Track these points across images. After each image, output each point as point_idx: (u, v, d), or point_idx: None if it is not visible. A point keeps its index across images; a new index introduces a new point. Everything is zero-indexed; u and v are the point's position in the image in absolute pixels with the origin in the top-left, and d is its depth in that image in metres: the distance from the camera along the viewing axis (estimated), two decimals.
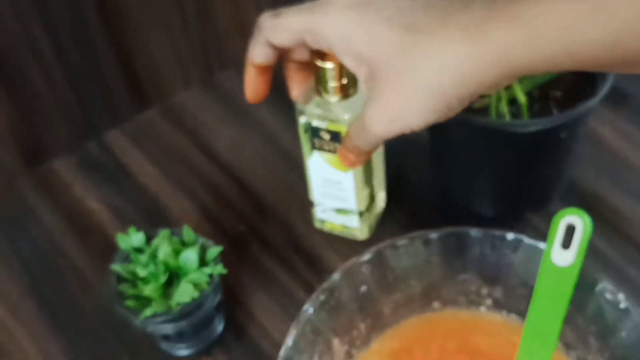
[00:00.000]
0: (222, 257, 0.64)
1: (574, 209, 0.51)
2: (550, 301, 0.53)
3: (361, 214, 0.72)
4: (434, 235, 0.63)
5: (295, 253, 0.75)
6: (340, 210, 0.72)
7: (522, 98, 0.67)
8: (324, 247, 0.75)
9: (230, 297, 0.72)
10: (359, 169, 0.69)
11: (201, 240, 0.64)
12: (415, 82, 0.45)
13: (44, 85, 0.78)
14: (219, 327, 0.68)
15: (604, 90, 0.64)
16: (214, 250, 0.63)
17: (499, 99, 0.67)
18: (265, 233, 0.77)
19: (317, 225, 0.76)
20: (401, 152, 0.78)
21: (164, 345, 0.68)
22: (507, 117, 0.67)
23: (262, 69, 0.54)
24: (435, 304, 0.66)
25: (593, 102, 0.64)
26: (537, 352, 0.54)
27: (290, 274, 0.74)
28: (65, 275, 0.75)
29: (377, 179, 0.74)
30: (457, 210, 0.76)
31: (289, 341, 0.57)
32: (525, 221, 0.75)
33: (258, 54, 0.53)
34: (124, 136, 0.86)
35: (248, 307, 0.71)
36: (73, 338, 0.71)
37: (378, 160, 0.73)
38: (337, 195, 0.71)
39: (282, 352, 0.57)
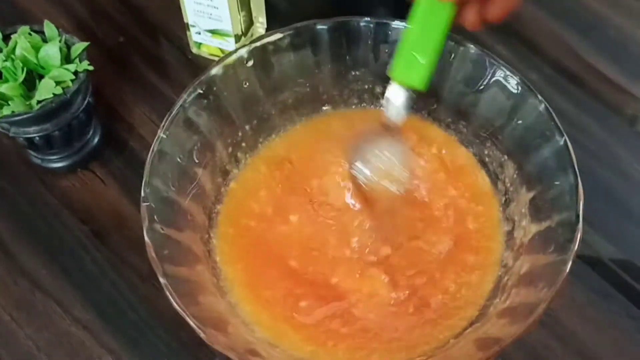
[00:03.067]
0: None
1: None
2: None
3: (238, 37, 0.67)
4: (321, 26, 0.58)
5: (180, 66, 0.70)
6: (215, 33, 0.66)
7: None
8: (211, 61, 0.70)
9: (109, 111, 0.67)
10: None
11: (65, 36, 0.58)
12: None
13: None
14: (95, 138, 0.63)
15: None
16: (79, 46, 0.57)
17: None
18: (145, 46, 0.71)
19: (194, 49, 0.70)
20: None
21: (36, 159, 0.62)
22: None
23: None
24: (326, 108, 0.62)
25: None
26: (414, 64, 0.50)
27: (174, 86, 0.68)
28: None
29: (255, 2, 0.68)
30: None
31: (161, 133, 0.52)
32: None
33: None
34: None
35: (129, 121, 0.66)
36: None
37: None
38: (211, 14, 0.65)
39: (155, 145, 0.52)
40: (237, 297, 0.53)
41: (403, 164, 0.53)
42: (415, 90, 0.51)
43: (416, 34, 0.49)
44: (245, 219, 0.57)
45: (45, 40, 0.58)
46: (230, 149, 0.58)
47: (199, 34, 0.67)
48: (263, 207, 0.57)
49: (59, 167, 0.62)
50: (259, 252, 0.55)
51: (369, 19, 0.58)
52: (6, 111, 0.54)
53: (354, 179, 0.54)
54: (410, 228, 0.55)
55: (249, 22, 0.68)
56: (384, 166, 0.53)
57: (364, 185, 0.53)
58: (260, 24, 0.70)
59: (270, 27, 0.71)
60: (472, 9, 0.48)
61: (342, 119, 0.62)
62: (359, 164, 0.53)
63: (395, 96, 0.51)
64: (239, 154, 0.59)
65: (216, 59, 0.69)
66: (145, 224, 0.49)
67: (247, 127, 0.59)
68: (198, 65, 0.70)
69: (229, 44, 0.67)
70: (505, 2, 0.48)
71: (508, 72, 0.55)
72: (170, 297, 0.46)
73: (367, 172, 0.53)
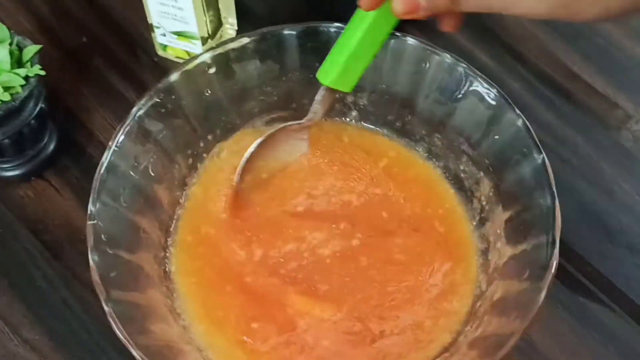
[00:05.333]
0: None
1: None
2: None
3: (204, 40, 0.63)
4: (289, 31, 0.55)
5: (145, 68, 0.66)
6: (181, 35, 0.63)
7: None
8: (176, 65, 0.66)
9: (68, 116, 0.63)
10: None
11: (17, 38, 0.54)
12: None
13: None
14: (50, 145, 0.60)
15: None
16: (31, 49, 0.54)
17: None
18: (109, 47, 0.67)
19: (160, 52, 0.66)
20: None
21: None
22: None
23: None
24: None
25: None
26: (347, 70, 0.50)
27: (138, 90, 0.65)
28: None
29: (224, 2, 0.64)
30: None
31: (112, 145, 0.49)
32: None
33: None
34: None
35: (88, 127, 0.63)
36: None
37: None
38: (176, 15, 0.61)
39: (105, 158, 0.49)
40: (190, 316, 0.50)
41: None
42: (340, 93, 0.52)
43: (355, 41, 0.49)
44: (205, 226, 0.54)
45: None
46: (190, 161, 0.55)
47: (164, 35, 0.64)
48: (221, 213, 0.54)
49: (12, 176, 0.59)
50: (216, 265, 0.52)
51: (340, 24, 0.54)
52: None
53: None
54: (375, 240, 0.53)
55: (218, 23, 0.64)
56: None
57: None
58: (230, 25, 0.66)
59: (242, 29, 0.67)
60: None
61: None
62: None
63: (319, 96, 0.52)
64: (199, 165, 0.56)
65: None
66: (90, 244, 0.45)
67: (209, 137, 0.56)
68: (164, 68, 0.66)
69: (196, 47, 0.63)
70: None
71: (485, 84, 0.52)
72: (114, 326, 0.43)
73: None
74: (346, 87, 0.51)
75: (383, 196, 0.55)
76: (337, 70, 0.50)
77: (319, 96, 0.52)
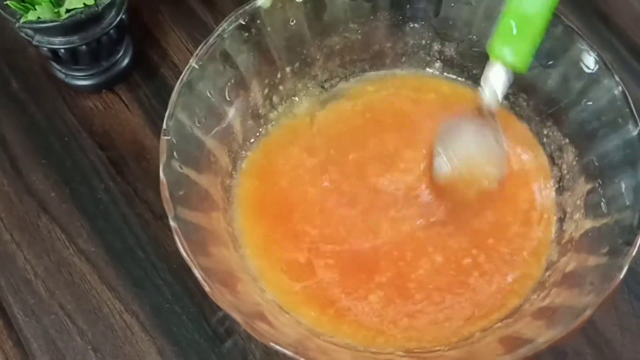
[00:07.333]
0: None
1: None
2: None
3: None
4: None
5: None
6: None
7: None
8: None
9: (143, 32, 0.62)
10: None
11: None
12: None
13: None
14: (125, 59, 0.58)
15: None
16: None
17: None
18: None
19: None
20: None
21: (60, 73, 0.58)
22: None
23: None
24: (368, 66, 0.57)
25: None
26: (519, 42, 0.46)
27: (216, 15, 0.63)
28: None
29: None
30: None
31: (193, 63, 0.48)
32: None
33: None
34: None
35: (163, 45, 0.62)
36: None
37: None
38: None
39: (185, 74, 0.47)
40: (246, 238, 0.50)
41: (493, 157, 0.49)
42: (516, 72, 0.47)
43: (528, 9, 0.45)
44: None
45: None
46: (266, 91, 0.54)
47: None
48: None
49: (83, 86, 0.58)
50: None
51: None
52: (31, 16, 0.50)
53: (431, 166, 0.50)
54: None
55: None
56: (471, 160, 0.49)
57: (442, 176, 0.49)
58: None
59: None
60: None
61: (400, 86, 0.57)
62: (443, 157, 0.49)
63: (497, 77, 0.47)
64: (274, 98, 0.54)
65: None
66: (163, 160, 0.44)
67: (287, 69, 0.54)
68: None
69: None
70: None
71: (585, 47, 0.49)
72: (179, 243, 0.42)
73: (449, 166, 0.49)
74: (522, 64, 0.47)
75: None
76: (505, 42, 0.47)
77: (493, 75, 0.47)
